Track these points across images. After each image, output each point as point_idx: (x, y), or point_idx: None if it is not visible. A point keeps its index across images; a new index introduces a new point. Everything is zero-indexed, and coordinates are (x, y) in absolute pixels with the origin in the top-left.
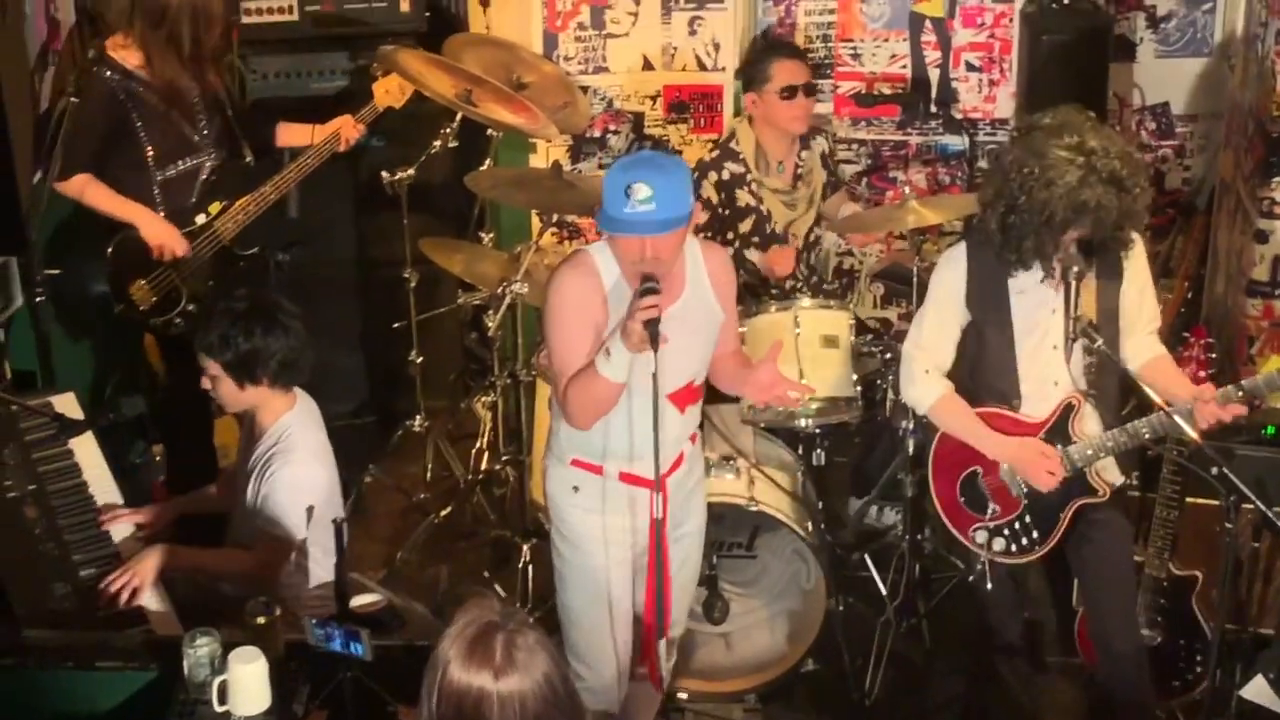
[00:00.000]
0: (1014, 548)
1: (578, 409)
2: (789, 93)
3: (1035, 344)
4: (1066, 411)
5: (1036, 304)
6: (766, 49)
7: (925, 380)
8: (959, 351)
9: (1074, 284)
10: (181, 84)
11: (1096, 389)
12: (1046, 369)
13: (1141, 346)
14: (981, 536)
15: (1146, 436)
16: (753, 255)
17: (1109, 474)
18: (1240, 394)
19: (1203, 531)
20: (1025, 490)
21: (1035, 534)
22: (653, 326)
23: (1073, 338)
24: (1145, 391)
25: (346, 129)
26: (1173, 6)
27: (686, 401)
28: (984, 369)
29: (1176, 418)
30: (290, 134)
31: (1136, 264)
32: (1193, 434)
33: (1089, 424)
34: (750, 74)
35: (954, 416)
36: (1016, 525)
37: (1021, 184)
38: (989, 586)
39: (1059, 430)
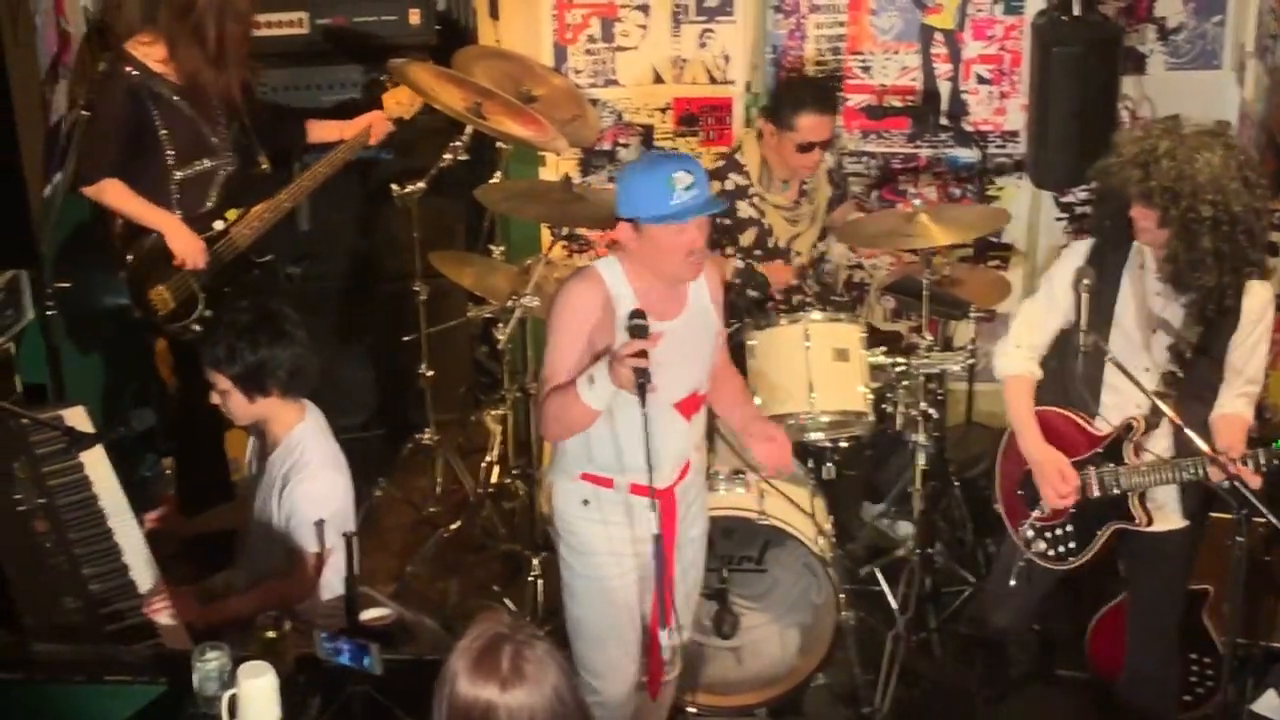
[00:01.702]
0: (1052, 553)
1: (550, 422)
2: (807, 148)
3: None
4: (1125, 432)
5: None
6: (799, 97)
7: (1013, 354)
8: (1055, 349)
9: (1083, 295)
10: (202, 80)
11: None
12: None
13: (1226, 402)
14: (1028, 532)
15: (1185, 476)
16: (759, 267)
17: (1164, 511)
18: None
19: (1214, 545)
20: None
21: (1072, 544)
22: (643, 377)
23: (1084, 350)
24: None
25: (378, 122)
26: (1183, 19)
27: (691, 410)
28: (1074, 369)
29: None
30: (321, 130)
31: (1251, 319)
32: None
33: (1155, 448)
34: (777, 108)
35: (1015, 398)
36: (1058, 531)
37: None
38: (1012, 583)
39: (1113, 449)
